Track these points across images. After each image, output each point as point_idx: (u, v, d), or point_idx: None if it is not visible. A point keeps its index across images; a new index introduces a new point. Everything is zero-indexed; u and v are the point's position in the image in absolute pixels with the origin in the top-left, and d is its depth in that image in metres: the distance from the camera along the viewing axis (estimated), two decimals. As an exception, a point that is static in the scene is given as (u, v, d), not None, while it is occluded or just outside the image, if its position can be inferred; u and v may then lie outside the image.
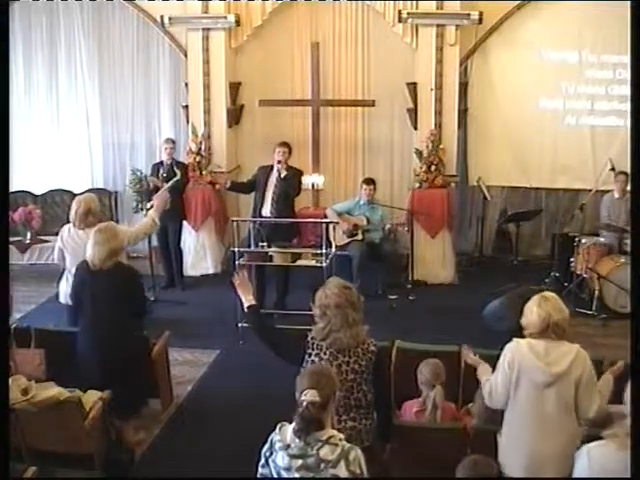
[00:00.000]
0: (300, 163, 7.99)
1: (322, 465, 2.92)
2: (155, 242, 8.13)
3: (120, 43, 9.24)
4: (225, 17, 8.40)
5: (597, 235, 7.93)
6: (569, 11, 8.37)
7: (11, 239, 7.91)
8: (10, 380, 4.11)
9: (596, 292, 7.34)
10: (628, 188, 7.15)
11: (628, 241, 7.25)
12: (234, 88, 8.86)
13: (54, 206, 9.18)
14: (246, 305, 3.99)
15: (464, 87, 8.62)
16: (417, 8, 8.20)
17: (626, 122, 8.08)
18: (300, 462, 2.93)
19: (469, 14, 8.09)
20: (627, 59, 7.56)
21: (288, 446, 2.96)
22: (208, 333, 6.89)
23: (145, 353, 5.03)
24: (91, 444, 4.34)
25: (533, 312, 3.64)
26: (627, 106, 7.77)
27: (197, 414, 5.46)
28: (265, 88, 8.80)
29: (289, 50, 8.90)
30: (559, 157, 8.81)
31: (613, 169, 7.98)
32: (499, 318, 6.82)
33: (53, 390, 4.31)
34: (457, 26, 8.16)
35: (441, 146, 8.30)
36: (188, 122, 8.75)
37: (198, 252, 8.70)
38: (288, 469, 2.95)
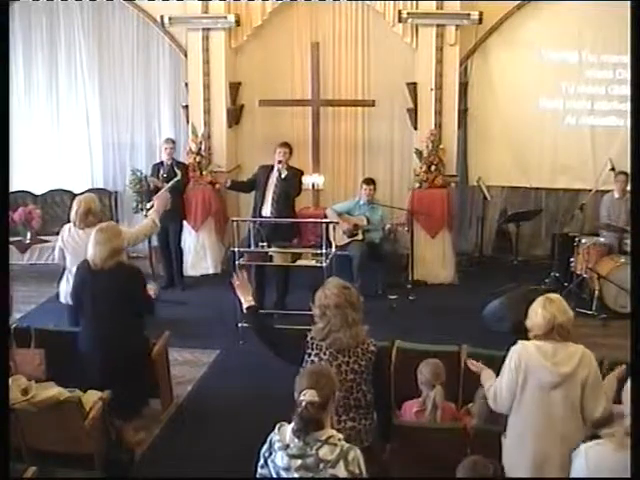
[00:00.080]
0: (300, 163, 7.98)
1: (321, 465, 2.91)
2: (155, 242, 8.15)
3: (120, 43, 9.24)
4: (225, 17, 8.40)
5: (597, 235, 7.93)
6: (569, 11, 8.37)
7: (11, 239, 7.90)
8: (10, 380, 4.11)
9: (596, 292, 7.34)
10: (628, 188, 7.15)
11: (628, 241, 7.25)
12: (234, 88, 8.85)
13: (54, 206, 9.16)
14: (245, 306, 3.99)
15: (464, 87, 8.62)
16: (417, 8, 8.19)
17: (626, 122, 8.08)
18: (299, 462, 2.93)
19: (469, 14, 8.09)
20: (627, 59, 7.55)
21: (287, 446, 2.96)
22: (208, 333, 6.89)
23: (145, 353, 5.02)
24: (91, 444, 4.34)
25: (538, 314, 3.61)
26: (627, 106, 7.77)
27: (197, 414, 5.45)
28: (265, 88, 8.80)
29: (289, 50, 8.89)
30: (559, 157, 8.81)
31: (613, 169, 7.98)
32: (499, 318, 6.85)
33: (53, 390, 4.31)
34: (457, 26, 8.16)
35: (441, 146, 8.29)
36: (188, 122, 8.75)
37: (198, 252, 8.70)
38: (287, 469, 2.95)
